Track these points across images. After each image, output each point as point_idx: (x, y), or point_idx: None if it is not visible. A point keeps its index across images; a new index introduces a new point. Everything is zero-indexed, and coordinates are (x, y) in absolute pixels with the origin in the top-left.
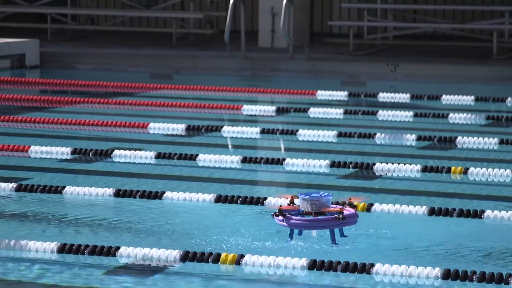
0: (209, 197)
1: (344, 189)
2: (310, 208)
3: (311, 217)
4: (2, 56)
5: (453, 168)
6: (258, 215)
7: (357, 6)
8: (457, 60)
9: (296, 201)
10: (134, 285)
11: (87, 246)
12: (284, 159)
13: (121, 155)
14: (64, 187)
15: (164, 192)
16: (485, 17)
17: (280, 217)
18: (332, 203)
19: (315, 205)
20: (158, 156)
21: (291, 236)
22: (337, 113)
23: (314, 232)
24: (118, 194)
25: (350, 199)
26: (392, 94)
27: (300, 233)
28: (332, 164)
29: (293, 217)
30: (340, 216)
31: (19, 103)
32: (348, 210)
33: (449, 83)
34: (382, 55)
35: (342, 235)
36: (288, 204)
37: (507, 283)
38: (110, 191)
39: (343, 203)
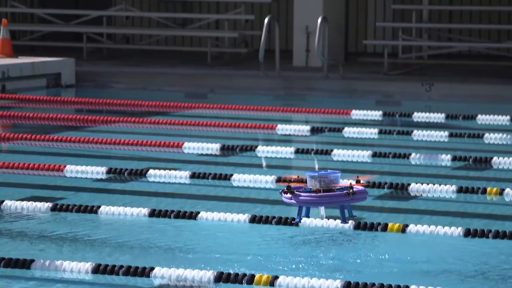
0: (244, 217)
1: (379, 210)
2: (318, 185)
3: (320, 193)
4: (38, 75)
5: (488, 189)
6: (292, 235)
7: (392, 25)
8: (492, 79)
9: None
10: None
11: (121, 266)
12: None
13: (155, 175)
14: (99, 207)
15: (198, 212)
16: None
17: (289, 195)
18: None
19: (324, 182)
20: (193, 176)
21: (299, 215)
22: (371, 133)
23: (322, 210)
24: (152, 214)
25: (358, 177)
26: (427, 114)
27: (307, 215)
28: (367, 185)
29: (302, 194)
30: (351, 191)
31: (55, 122)
32: (357, 187)
33: (485, 102)
34: (416, 75)
35: (351, 215)
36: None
37: None
38: (144, 211)
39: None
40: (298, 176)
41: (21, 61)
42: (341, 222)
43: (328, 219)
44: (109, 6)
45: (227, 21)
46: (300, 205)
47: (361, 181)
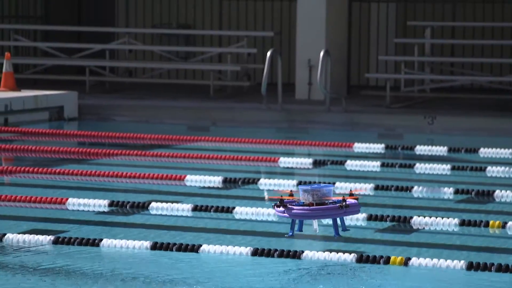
0: (246, 250)
1: (381, 242)
2: (311, 198)
3: (313, 207)
4: (40, 108)
5: (491, 222)
6: (295, 268)
7: (394, 58)
8: (495, 113)
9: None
10: None
11: None
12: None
13: (158, 208)
14: (101, 240)
15: (200, 245)
16: None
17: (281, 208)
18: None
19: (317, 195)
20: (195, 208)
21: (292, 230)
22: (374, 165)
23: (315, 224)
24: (154, 247)
25: (351, 190)
26: (430, 147)
27: (300, 229)
28: (369, 218)
29: (295, 207)
30: (344, 204)
31: (57, 155)
32: (350, 200)
33: (487, 136)
34: (419, 108)
35: (344, 229)
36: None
37: None
38: (147, 243)
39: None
40: (291, 191)
41: (24, 94)
42: (334, 235)
43: (331, 252)
44: (112, 39)
45: (229, 54)
46: (292, 218)
47: (354, 194)
